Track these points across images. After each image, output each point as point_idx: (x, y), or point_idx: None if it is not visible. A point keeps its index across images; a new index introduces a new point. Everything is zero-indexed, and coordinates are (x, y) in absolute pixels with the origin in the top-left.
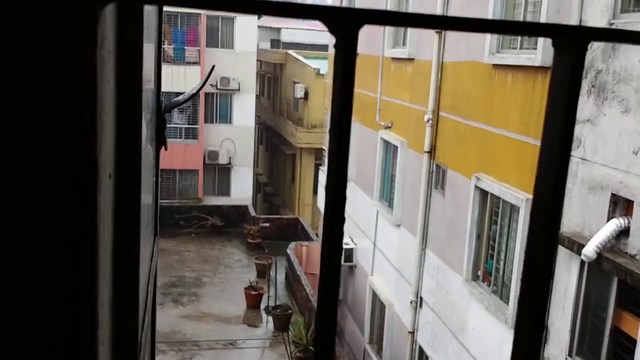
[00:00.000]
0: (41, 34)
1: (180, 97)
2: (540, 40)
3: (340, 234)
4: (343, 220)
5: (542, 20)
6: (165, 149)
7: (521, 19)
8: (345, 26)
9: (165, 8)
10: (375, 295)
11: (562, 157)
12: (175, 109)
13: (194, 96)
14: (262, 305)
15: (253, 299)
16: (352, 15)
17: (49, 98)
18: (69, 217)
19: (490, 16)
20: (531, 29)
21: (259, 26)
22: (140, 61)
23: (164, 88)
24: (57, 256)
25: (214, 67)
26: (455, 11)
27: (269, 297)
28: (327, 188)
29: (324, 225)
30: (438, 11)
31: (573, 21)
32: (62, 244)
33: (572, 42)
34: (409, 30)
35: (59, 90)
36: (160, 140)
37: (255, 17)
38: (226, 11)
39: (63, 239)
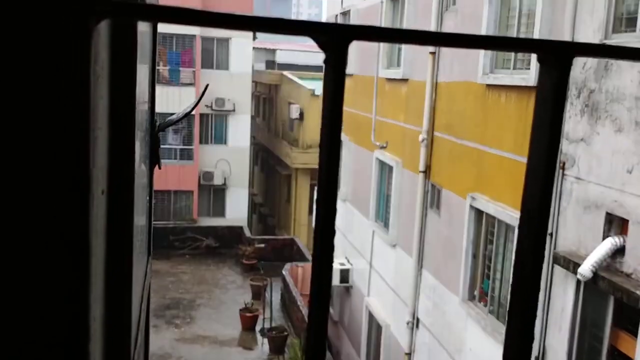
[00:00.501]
0: (35, 47)
1: (174, 116)
2: (534, 60)
3: (331, 246)
4: (333, 233)
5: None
6: (159, 168)
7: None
8: (335, 41)
9: (160, 29)
10: (371, 316)
11: (548, 168)
12: (170, 130)
13: (188, 115)
14: (258, 328)
15: (248, 321)
16: (340, 31)
17: (43, 109)
18: (61, 229)
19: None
20: (517, 44)
21: (254, 47)
22: (133, 77)
23: (158, 109)
24: (48, 268)
25: (207, 85)
26: (449, 30)
27: (264, 319)
28: (318, 198)
29: (315, 238)
30: (432, 28)
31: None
32: (53, 255)
33: (557, 57)
34: (403, 51)
35: (53, 102)
36: (154, 159)
37: (251, 38)
38: (217, 27)
39: (54, 250)
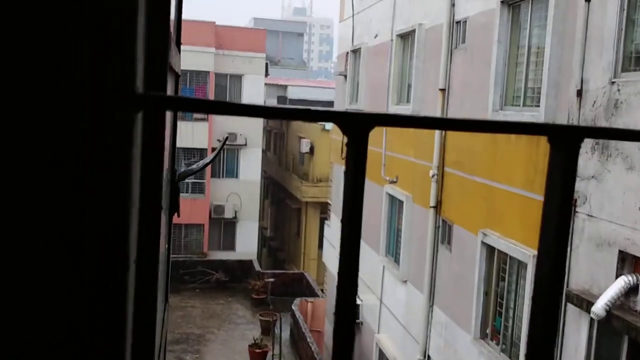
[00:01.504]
0: (87, 137)
1: (195, 166)
2: (543, 97)
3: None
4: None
5: (545, 78)
6: (178, 216)
7: (523, 77)
8: (357, 128)
9: None
10: (382, 354)
11: (560, 242)
12: (182, 163)
13: (207, 165)
14: None
15: (257, 357)
16: (362, 119)
17: (94, 194)
18: (100, 300)
19: (492, 76)
20: (527, 128)
21: (266, 83)
22: (161, 155)
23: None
24: (80, 332)
25: (227, 137)
26: (458, 71)
27: (273, 355)
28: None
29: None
30: (441, 72)
31: (575, 79)
32: (88, 321)
33: (566, 139)
34: (413, 87)
35: (101, 185)
36: (173, 207)
37: (263, 75)
38: (243, 116)
39: (91, 317)
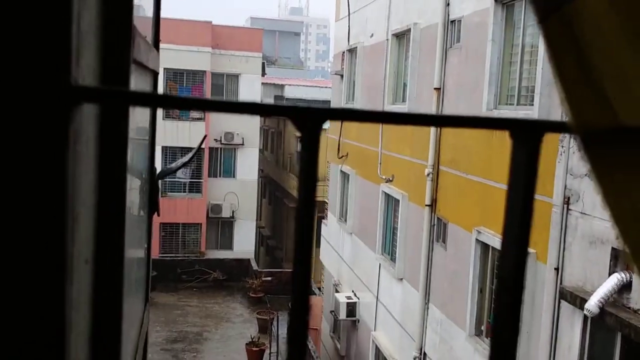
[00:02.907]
0: (10, 133)
1: (173, 165)
2: (537, 95)
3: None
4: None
5: (539, 76)
6: (158, 215)
7: (517, 76)
8: (309, 122)
9: (171, 65)
10: (378, 351)
11: (521, 241)
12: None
13: (186, 164)
14: None
15: (255, 356)
16: (314, 113)
17: (15, 197)
18: (36, 303)
19: (486, 74)
20: (490, 123)
21: (262, 83)
22: (122, 151)
23: (170, 143)
24: (23, 344)
25: (205, 136)
26: (453, 70)
27: (270, 353)
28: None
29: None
30: (436, 71)
31: None
32: (28, 332)
33: (528, 134)
34: (409, 86)
35: (26, 189)
36: (152, 208)
37: (259, 74)
38: (200, 111)
39: (28, 325)
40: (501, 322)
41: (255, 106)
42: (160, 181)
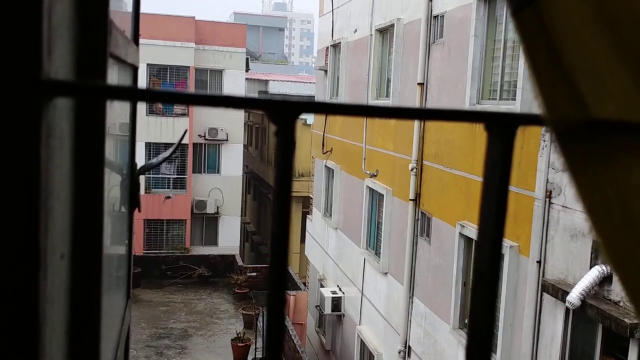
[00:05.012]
0: None
1: (154, 160)
2: (519, 90)
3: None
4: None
5: (520, 71)
6: (139, 211)
7: (499, 71)
8: (283, 116)
9: (155, 61)
10: (363, 345)
11: (496, 230)
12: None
13: (167, 159)
14: (250, 357)
15: (240, 351)
16: (288, 106)
17: None
18: (9, 296)
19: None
20: (465, 116)
21: (246, 78)
22: (98, 146)
23: (153, 139)
24: None
25: (186, 131)
26: (436, 65)
27: (256, 348)
28: (270, 253)
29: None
30: (419, 66)
31: None
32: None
33: (502, 126)
34: (392, 81)
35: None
36: (133, 203)
37: (243, 70)
38: (174, 104)
39: (1, 325)
40: (477, 311)
41: (229, 99)
42: (142, 177)
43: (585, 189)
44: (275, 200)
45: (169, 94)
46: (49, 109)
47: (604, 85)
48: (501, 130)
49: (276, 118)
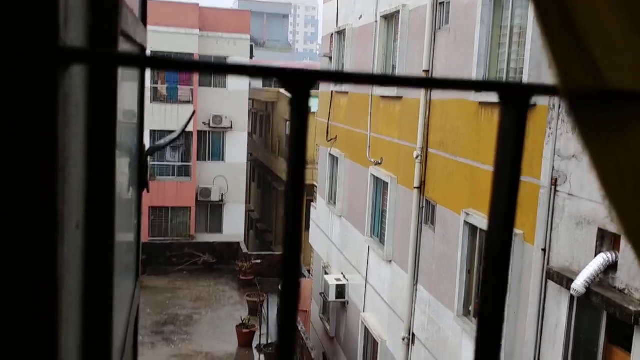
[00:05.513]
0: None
1: (162, 141)
2: (525, 77)
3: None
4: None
5: (527, 58)
6: (147, 192)
7: (505, 58)
8: (298, 85)
9: (159, 48)
10: (367, 332)
11: (509, 205)
12: (169, 147)
13: (175, 141)
14: (254, 344)
15: (245, 337)
16: (303, 75)
17: (7, 155)
18: (29, 265)
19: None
20: (478, 86)
21: None
22: (113, 112)
23: (157, 127)
24: (14, 310)
25: (194, 112)
26: (441, 52)
27: (260, 335)
28: (284, 232)
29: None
30: (425, 53)
31: None
32: (21, 292)
33: (517, 97)
34: (398, 68)
35: (18, 147)
36: (142, 184)
37: (248, 57)
38: (187, 72)
39: (22, 286)
40: (488, 290)
41: (242, 68)
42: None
43: (598, 157)
44: (289, 169)
45: (179, 61)
46: (65, 77)
47: (616, 53)
48: (515, 100)
49: (291, 87)
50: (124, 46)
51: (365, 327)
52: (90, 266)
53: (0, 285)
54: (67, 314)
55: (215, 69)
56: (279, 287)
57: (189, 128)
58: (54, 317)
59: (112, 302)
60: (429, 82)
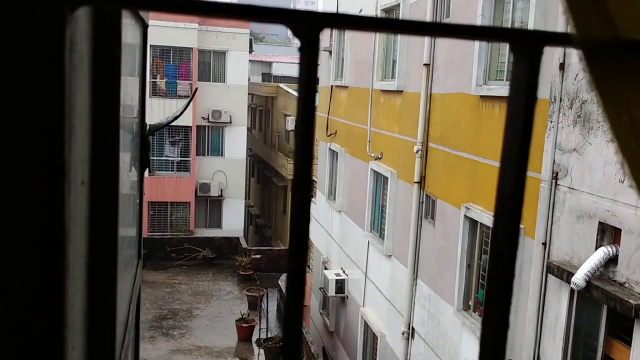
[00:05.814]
0: (4, 35)
1: (164, 120)
2: None
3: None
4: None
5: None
6: (150, 172)
7: (506, 52)
8: (308, 28)
9: (158, 42)
10: (367, 327)
11: (521, 158)
12: (167, 142)
13: (177, 118)
14: (254, 338)
15: (244, 332)
16: (314, 18)
17: (13, 99)
18: (35, 215)
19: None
20: (488, 33)
21: (250, 60)
22: (117, 70)
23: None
24: (21, 259)
25: (196, 89)
26: (442, 46)
27: (260, 329)
28: (293, 193)
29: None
30: (425, 47)
31: (557, 53)
32: (26, 246)
33: (528, 45)
34: (398, 63)
35: (24, 92)
36: (144, 163)
37: (247, 51)
38: (191, 15)
39: (27, 240)
40: (494, 280)
41: (249, 9)
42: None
43: (612, 110)
44: (297, 121)
45: (183, 2)
46: (71, 21)
47: (631, 4)
48: (527, 49)
49: (300, 30)
50: (127, 21)
51: (365, 322)
52: (94, 223)
53: (7, 234)
54: (73, 268)
55: (219, 11)
56: (282, 282)
57: (188, 122)
58: (60, 269)
59: (117, 259)
60: (436, 27)
